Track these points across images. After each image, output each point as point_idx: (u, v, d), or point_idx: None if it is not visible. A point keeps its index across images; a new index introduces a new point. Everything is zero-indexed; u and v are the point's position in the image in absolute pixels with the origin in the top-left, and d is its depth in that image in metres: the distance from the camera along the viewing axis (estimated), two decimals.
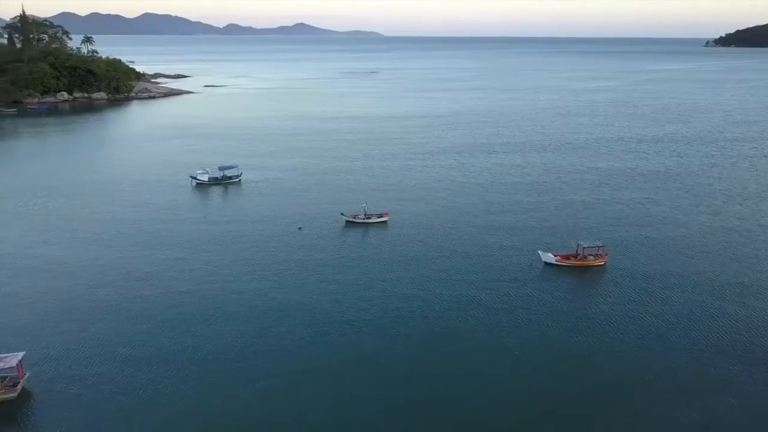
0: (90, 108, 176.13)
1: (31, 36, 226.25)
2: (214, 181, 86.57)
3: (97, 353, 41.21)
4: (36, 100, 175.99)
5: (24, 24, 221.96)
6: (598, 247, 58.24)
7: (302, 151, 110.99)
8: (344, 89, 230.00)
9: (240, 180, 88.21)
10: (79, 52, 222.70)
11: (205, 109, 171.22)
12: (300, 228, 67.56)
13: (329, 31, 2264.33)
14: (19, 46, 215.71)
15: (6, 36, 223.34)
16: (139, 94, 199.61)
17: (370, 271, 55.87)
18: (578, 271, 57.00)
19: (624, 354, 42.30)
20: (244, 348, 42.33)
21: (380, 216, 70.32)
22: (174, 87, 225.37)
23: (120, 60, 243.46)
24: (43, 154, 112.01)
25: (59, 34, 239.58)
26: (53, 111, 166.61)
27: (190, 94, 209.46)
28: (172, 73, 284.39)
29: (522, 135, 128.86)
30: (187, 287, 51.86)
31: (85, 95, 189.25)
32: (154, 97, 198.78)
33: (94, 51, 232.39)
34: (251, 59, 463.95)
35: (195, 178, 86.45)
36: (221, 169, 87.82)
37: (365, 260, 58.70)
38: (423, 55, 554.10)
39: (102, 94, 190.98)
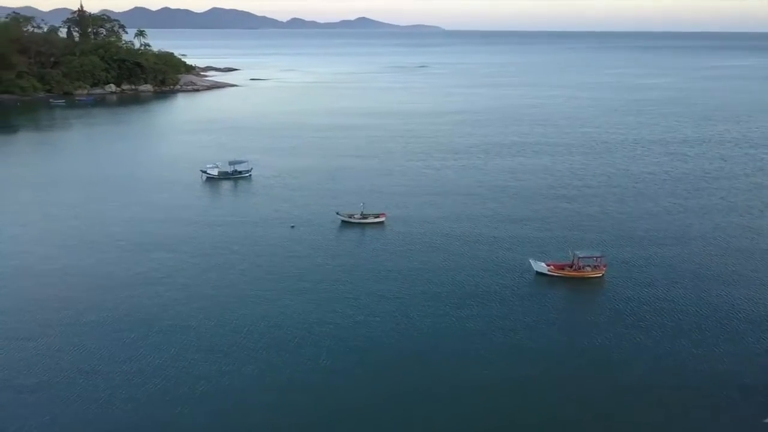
0: (135, 100, 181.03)
1: (89, 30, 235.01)
2: (224, 176, 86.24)
3: (46, 362, 39.97)
4: (85, 91, 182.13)
5: (82, 18, 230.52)
6: (596, 257, 53.95)
7: (324, 147, 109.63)
8: (387, 84, 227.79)
9: (250, 175, 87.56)
10: (132, 45, 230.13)
11: (243, 103, 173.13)
12: (293, 227, 66.07)
13: (391, 25, 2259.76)
14: (77, 39, 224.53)
15: (65, 29, 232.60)
16: (184, 86, 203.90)
17: (354, 276, 53.53)
18: (572, 282, 52.97)
19: (602, 382, 38.49)
20: (195, 363, 40.78)
21: (377, 216, 67.95)
22: (219, 80, 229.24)
23: (172, 53, 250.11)
24: (75, 145, 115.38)
25: (116, 28, 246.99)
26: (99, 102, 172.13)
27: (234, 88, 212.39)
28: (223, 66, 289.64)
29: (556, 134, 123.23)
30: (154, 293, 50.10)
31: (133, 87, 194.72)
32: (197, 90, 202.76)
33: (146, 44, 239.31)
34: (305, 53, 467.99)
35: (205, 173, 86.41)
36: (231, 163, 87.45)
37: (352, 264, 56.40)
38: (479, 50, 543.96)
39: (148, 87, 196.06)
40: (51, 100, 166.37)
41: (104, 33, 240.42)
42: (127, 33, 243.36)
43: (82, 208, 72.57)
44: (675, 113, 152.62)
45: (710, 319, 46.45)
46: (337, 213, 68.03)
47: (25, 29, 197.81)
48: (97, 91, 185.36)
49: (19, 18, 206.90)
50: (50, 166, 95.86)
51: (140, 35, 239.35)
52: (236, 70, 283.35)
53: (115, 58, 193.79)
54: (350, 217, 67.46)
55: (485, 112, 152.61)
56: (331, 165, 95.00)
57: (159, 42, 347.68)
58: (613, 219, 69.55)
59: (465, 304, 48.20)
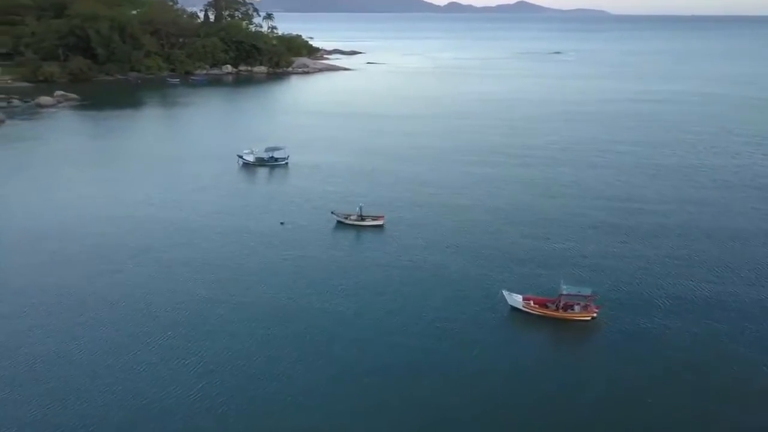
0: (247, 81, 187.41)
1: (224, 12, 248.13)
2: (260, 162, 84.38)
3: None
4: (204, 71, 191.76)
5: (217, 1, 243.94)
6: (586, 296, 43.42)
7: (384, 137, 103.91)
8: (503, 71, 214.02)
9: (287, 163, 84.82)
10: (259, 28, 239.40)
11: (344, 87, 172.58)
12: (282, 223, 61.99)
13: (551, 9, 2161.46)
14: (212, 21, 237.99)
15: (203, 12, 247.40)
16: (296, 69, 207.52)
17: (324, 285, 48.34)
18: (551, 324, 43.24)
19: None
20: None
21: (375, 218, 61.67)
22: (335, 63, 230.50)
23: (299, 36, 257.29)
24: (152, 123, 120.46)
25: (250, 11, 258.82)
26: (212, 82, 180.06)
27: (345, 71, 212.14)
28: (348, 50, 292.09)
29: (659, 136, 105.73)
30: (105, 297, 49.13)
31: (248, 68, 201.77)
32: (308, 73, 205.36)
33: (273, 27, 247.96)
34: (441, 37, 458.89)
35: (241, 158, 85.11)
36: (268, 150, 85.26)
37: (327, 271, 51.13)
38: (633, 36, 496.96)
39: (262, 68, 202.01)
40: (168, 79, 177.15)
41: (239, 16, 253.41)
42: (260, 16, 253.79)
43: (109, 184, 74.22)
44: None
45: (726, 395, 35.26)
46: (332, 212, 62.69)
47: (162, 12, 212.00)
48: (215, 71, 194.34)
49: (166, 1, 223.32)
50: (123, 142, 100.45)
51: (268, 18, 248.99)
52: (360, 53, 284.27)
53: (234, 39, 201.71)
54: (346, 218, 61.85)
55: (590, 105, 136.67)
56: (377, 158, 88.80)
57: (304, 25, 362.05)
58: (646, 256, 54.88)
59: (413, 339, 41.03)
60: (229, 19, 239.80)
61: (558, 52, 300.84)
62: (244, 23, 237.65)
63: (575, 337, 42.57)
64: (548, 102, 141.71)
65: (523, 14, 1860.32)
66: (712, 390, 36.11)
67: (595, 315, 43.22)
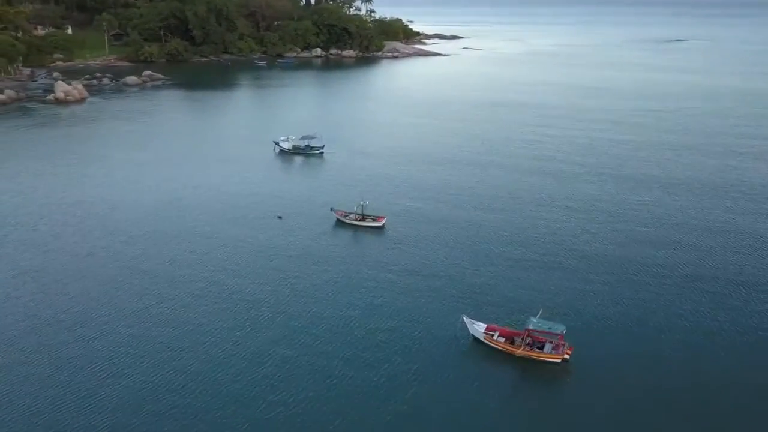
0: (334, 65, 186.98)
1: None
2: (296, 150, 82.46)
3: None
4: (294, 55, 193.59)
5: None
6: (557, 333, 36.65)
7: (439, 129, 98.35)
8: (601, 59, 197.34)
9: (322, 153, 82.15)
10: (358, 11, 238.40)
11: (425, 74, 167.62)
12: (279, 217, 59.31)
13: None
14: (313, 4, 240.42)
15: None
16: (385, 53, 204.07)
17: (288, 292, 45.32)
18: (516, 364, 36.96)
19: None
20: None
21: (375, 219, 57.27)
22: (428, 49, 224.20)
23: (399, 20, 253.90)
24: (219, 105, 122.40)
25: None
26: (299, 65, 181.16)
27: (436, 57, 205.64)
28: (449, 34, 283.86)
29: (741, 144, 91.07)
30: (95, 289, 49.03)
31: (338, 52, 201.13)
32: (396, 57, 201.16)
33: (371, 11, 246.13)
34: (552, 23, 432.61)
35: (277, 144, 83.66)
36: (304, 138, 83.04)
37: (298, 274, 48.04)
38: None
39: (351, 52, 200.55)
40: (256, 61, 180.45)
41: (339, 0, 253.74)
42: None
43: (140, 167, 75.39)
44: None
45: None
46: (332, 209, 59.06)
47: None
48: (304, 54, 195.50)
49: None
50: (180, 123, 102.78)
51: (367, 1, 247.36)
52: (461, 38, 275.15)
53: (326, 23, 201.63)
54: (345, 217, 57.96)
55: (677, 102, 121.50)
56: (414, 156, 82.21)
57: (419, 9, 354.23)
58: (642, 298, 45.78)
59: (363, 373, 36.98)
60: (330, 2, 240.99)
61: (679, 40, 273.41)
62: (345, 7, 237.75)
63: (542, 383, 36.02)
64: (635, 96, 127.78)
65: None
66: None
67: (567, 357, 36.43)
